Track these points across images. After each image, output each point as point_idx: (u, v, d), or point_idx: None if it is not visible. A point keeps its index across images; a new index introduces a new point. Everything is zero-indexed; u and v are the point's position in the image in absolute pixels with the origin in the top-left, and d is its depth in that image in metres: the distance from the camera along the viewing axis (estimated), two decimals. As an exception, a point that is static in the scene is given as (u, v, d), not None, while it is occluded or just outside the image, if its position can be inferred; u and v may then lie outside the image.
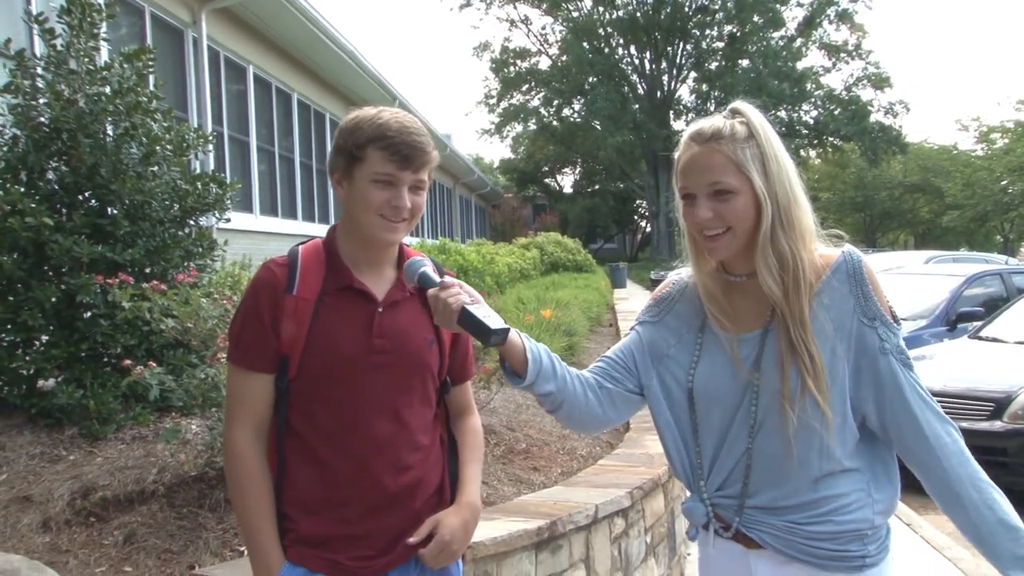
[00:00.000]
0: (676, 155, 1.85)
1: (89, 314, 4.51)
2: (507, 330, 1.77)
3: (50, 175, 4.63)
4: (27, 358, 4.34)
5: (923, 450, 1.74)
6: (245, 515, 1.92)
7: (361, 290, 1.95)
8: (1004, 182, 40.63)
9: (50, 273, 4.48)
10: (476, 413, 2.23)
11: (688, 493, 1.97)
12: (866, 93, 44.88)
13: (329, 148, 16.04)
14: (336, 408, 1.92)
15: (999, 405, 6.55)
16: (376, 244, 1.96)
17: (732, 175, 1.74)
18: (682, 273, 2.04)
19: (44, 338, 4.46)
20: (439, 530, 1.96)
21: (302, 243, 2.03)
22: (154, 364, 3.92)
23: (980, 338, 8.45)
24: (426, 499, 2.01)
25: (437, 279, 1.84)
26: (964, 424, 6.34)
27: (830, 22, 44.72)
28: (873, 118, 43.84)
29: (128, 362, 4.07)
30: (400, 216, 1.90)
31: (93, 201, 4.68)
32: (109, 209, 4.69)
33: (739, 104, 1.83)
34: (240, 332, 1.95)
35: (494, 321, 1.75)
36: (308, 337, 1.89)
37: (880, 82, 44.65)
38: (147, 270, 4.77)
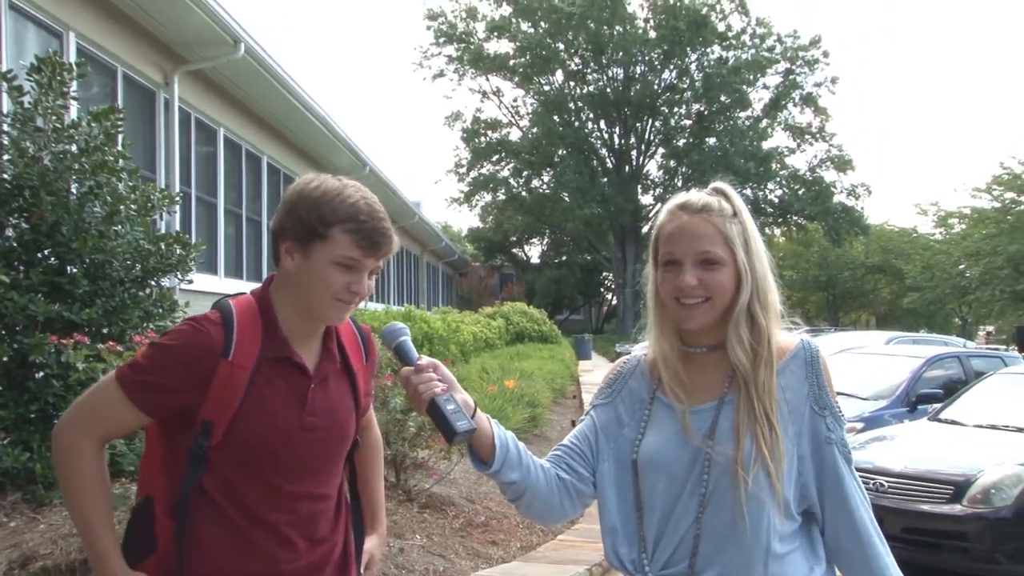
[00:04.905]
0: (657, 223, 1.90)
1: (41, 374, 4.41)
2: (472, 431, 1.73)
3: (9, 232, 4.57)
4: (-27, 418, 4.22)
5: (854, 545, 1.77)
6: (85, 519, 1.83)
7: (298, 363, 1.90)
8: (961, 266, 41.47)
9: (3, 331, 4.38)
10: (375, 421, 2.32)
11: None
12: (829, 174, 46.00)
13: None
14: (260, 480, 1.85)
15: (958, 488, 6.52)
16: (324, 323, 1.94)
17: (721, 246, 1.80)
18: (634, 351, 2.07)
19: (-8, 398, 4.35)
20: (372, 565, 2.18)
21: (231, 297, 1.93)
22: (105, 428, 3.82)
23: (939, 420, 8.49)
24: (335, 564, 2.00)
25: (415, 356, 1.78)
26: (924, 507, 6.32)
27: (795, 104, 45.95)
28: (836, 199, 44.90)
29: (78, 425, 3.96)
30: (355, 299, 1.87)
31: (52, 259, 4.62)
32: (69, 268, 4.63)
33: (720, 184, 1.90)
34: (148, 371, 1.81)
35: (461, 421, 1.71)
36: (240, 408, 1.81)
37: (843, 164, 45.77)
38: (104, 330, 4.69)
